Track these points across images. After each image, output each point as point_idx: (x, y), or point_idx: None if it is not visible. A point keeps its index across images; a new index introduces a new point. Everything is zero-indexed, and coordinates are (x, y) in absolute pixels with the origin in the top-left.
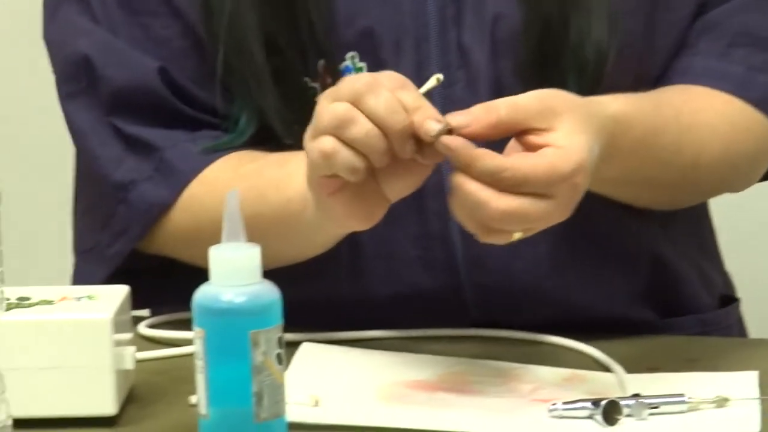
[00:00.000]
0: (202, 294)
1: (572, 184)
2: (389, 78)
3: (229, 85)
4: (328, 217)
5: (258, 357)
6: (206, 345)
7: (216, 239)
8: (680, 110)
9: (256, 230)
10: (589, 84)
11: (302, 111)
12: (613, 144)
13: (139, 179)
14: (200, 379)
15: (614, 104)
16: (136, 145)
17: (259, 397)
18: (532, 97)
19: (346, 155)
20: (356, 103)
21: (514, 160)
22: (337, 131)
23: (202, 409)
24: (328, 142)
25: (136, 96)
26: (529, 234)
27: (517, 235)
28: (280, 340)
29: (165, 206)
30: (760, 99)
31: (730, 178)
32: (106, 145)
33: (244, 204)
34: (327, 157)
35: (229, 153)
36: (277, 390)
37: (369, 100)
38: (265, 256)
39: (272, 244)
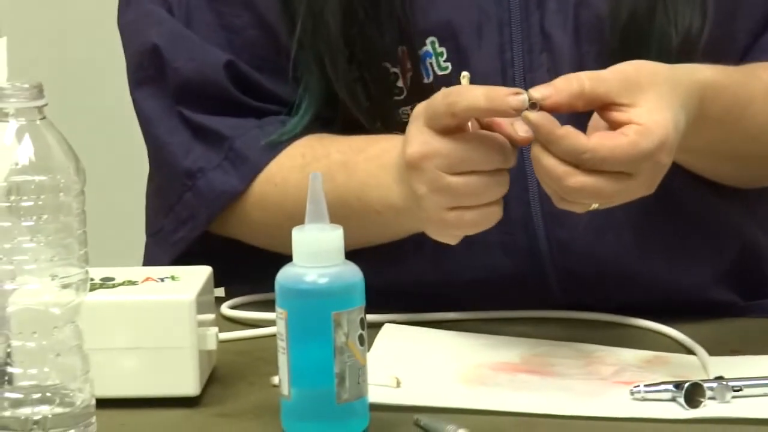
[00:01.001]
0: (284, 275)
1: (654, 162)
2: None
3: (302, 63)
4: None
5: (340, 338)
6: (289, 326)
7: (299, 216)
8: None
9: (343, 208)
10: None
11: (380, 93)
12: (701, 111)
13: (207, 167)
14: (282, 360)
15: (704, 71)
16: (204, 134)
17: (341, 378)
18: (616, 71)
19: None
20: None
21: (595, 142)
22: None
23: (284, 390)
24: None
25: (203, 87)
26: (609, 206)
27: (594, 206)
28: (362, 321)
29: (235, 195)
30: None
31: None
32: (175, 132)
33: (335, 180)
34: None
35: (293, 143)
36: (359, 371)
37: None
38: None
39: (354, 236)
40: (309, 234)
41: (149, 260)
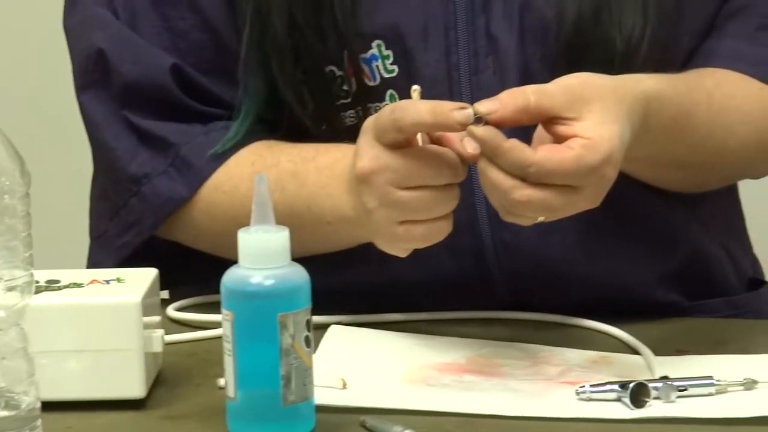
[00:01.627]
0: (230, 277)
1: (600, 176)
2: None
3: (247, 66)
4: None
5: (286, 340)
6: (234, 328)
7: (246, 223)
8: (712, 94)
9: (292, 219)
10: (617, 74)
11: (324, 97)
12: (645, 122)
13: (153, 173)
14: (228, 362)
15: (649, 82)
16: (150, 140)
17: (287, 380)
18: (561, 85)
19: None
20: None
21: (541, 155)
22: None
23: (230, 392)
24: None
25: (148, 91)
26: (554, 219)
27: (540, 219)
28: (308, 323)
29: (180, 202)
30: None
31: (759, 163)
32: (120, 137)
33: (285, 189)
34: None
35: (243, 150)
36: (305, 373)
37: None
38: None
39: (302, 236)
40: (254, 236)
41: (93, 263)
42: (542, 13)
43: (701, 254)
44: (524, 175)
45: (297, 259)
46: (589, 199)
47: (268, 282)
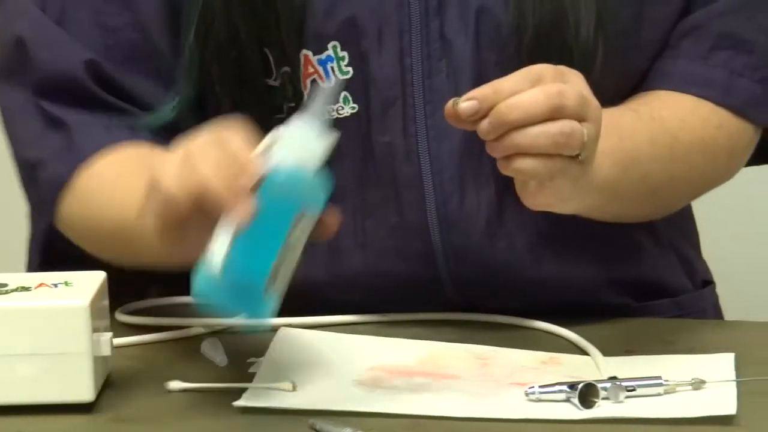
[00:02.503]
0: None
1: (569, 70)
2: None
3: (185, 70)
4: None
5: (292, 237)
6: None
7: (100, 239)
8: (636, 109)
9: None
10: None
11: (262, 108)
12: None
13: (48, 158)
14: (225, 238)
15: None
16: (54, 125)
17: (276, 272)
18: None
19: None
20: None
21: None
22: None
23: (214, 265)
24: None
25: (62, 82)
26: (589, 140)
27: (585, 135)
28: (309, 230)
29: (62, 184)
30: (741, 105)
31: (711, 173)
32: (28, 124)
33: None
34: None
35: (130, 142)
36: (289, 272)
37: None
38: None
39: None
40: (301, 130)
41: (29, 262)
42: (498, 18)
43: (649, 256)
44: (526, 79)
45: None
46: (583, 85)
47: (298, 176)
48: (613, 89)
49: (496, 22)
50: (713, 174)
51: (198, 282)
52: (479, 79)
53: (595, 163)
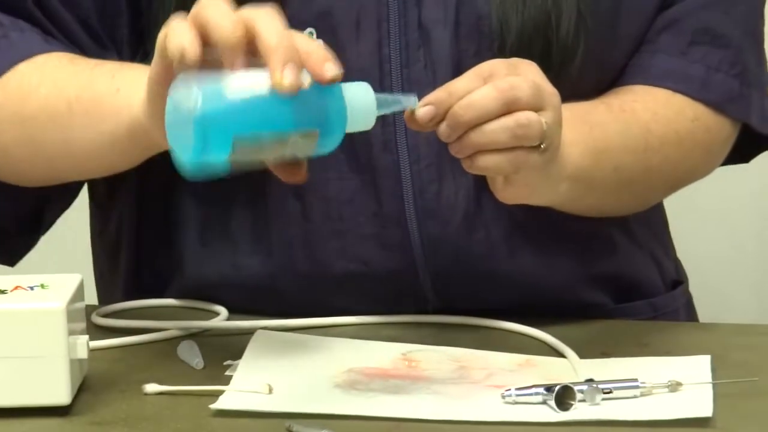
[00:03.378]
0: None
1: (523, 60)
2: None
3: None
4: (150, 122)
5: (289, 141)
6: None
7: (38, 118)
8: (608, 102)
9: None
10: (554, 76)
11: None
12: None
13: None
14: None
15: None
16: None
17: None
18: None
19: (180, 30)
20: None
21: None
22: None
23: (194, 102)
24: (172, 21)
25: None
26: (549, 135)
27: (544, 124)
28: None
29: None
30: (718, 101)
31: (687, 166)
32: None
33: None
34: (165, 35)
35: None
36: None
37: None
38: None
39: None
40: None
41: None
42: (478, 8)
43: (625, 256)
44: (478, 76)
45: (226, 251)
46: (539, 74)
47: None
48: (592, 84)
49: (476, 12)
50: (689, 167)
51: (175, 91)
52: (457, 70)
53: (565, 152)
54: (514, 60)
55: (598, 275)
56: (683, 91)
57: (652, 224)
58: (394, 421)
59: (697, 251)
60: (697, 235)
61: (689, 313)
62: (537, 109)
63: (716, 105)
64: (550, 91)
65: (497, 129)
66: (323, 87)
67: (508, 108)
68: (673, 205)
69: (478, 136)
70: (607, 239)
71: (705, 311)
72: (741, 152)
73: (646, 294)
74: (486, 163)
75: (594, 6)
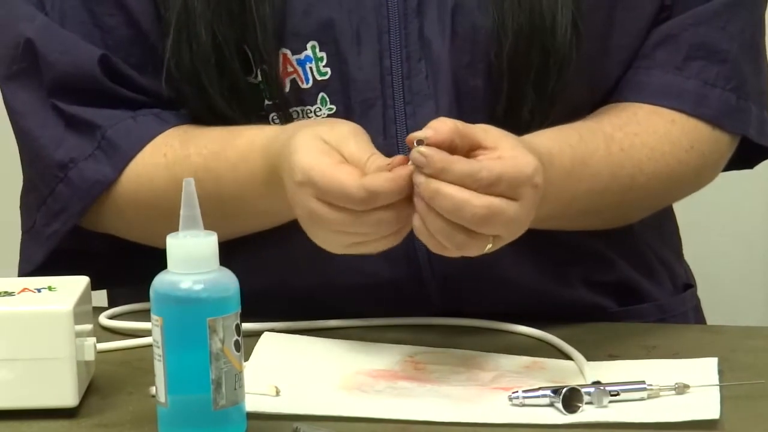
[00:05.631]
0: (160, 282)
1: (534, 185)
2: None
3: (177, 72)
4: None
5: (216, 344)
6: (164, 333)
7: (167, 214)
8: (611, 136)
9: (215, 209)
10: (548, 88)
11: (246, 106)
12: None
13: (80, 158)
14: (159, 367)
15: (536, 140)
16: (77, 125)
17: (218, 384)
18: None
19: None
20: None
21: (486, 162)
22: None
23: (161, 397)
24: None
25: (77, 80)
26: (497, 246)
27: (488, 247)
28: (237, 327)
29: (107, 184)
30: (714, 116)
31: (676, 191)
32: (46, 125)
33: (200, 184)
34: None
35: (156, 139)
36: (235, 377)
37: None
38: (223, 235)
39: (230, 222)
40: (183, 241)
41: (24, 257)
42: (473, 17)
43: (632, 260)
44: (476, 180)
45: (226, 260)
46: (527, 210)
47: (197, 287)
48: (586, 94)
49: (472, 23)
50: (672, 198)
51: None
52: (456, 81)
53: (547, 199)
54: (524, 150)
55: (603, 281)
56: (679, 107)
57: (663, 229)
58: (401, 423)
59: (706, 256)
60: (706, 240)
61: (698, 317)
62: (499, 225)
63: (713, 120)
64: (529, 205)
65: (440, 229)
66: None
67: (462, 219)
68: (682, 210)
69: (428, 222)
70: (598, 249)
71: (713, 315)
72: (745, 159)
73: (653, 297)
74: (434, 228)
75: (588, 16)
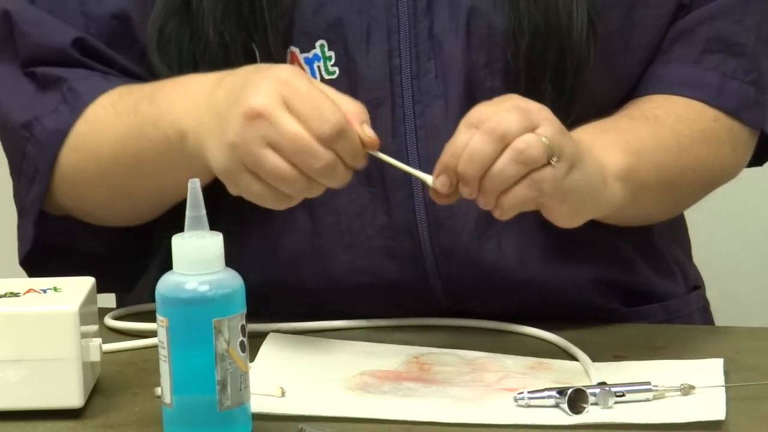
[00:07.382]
0: (165, 283)
1: (518, 102)
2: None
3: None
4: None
5: (221, 345)
6: (170, 334)
7: (101, 180)
8: (641, 112)
9: (140, 166)
10: (567, 86)
11: None
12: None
13: (43, 113)
14: (164, 368)
15: (614, 159)
16: (46, 83)
17: (223, 385)
18: None
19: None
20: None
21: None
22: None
23: (166, 398)
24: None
25: (52, 55)
26: (560, 166)
27: (554, 159)
28: (243, 328)
29: (66, 131)
30: (734, 107)
31: (716, 164)
32: (17, 90)
33: (126, 142)
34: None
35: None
36: (241, 378)
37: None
38: (148, 194)
39: (156, 181)
40: (189, 242)
41: (20, 238)
42: (490, 20)
43: (641, 262)
44: (490, 134)
45: (232, 261)
46: (554, 125)
47: (203, 288)
48: (606, 94)
49: (488, 24)
50: (720, 165)
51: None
52: (468, 81)
53: (601, 154)
54: (494, 99)
55: (610, 282)
56: (699, 97)
57: (674, 230)
58: (407, 424)
59: (713, 257)
60: (713, 241)
61: (705, 318)
62: (530, 129)
63: (732, 111)
64: (535, 108)
65: (502, 166)
66: None
67: (503, 142)
68: (690, 212)
69: (490, 182)
70: (620, 247)
71: (720, 317)
72: (755, 155)
73: (660, 298)
74: (510, 202)
75: (605, 12)
